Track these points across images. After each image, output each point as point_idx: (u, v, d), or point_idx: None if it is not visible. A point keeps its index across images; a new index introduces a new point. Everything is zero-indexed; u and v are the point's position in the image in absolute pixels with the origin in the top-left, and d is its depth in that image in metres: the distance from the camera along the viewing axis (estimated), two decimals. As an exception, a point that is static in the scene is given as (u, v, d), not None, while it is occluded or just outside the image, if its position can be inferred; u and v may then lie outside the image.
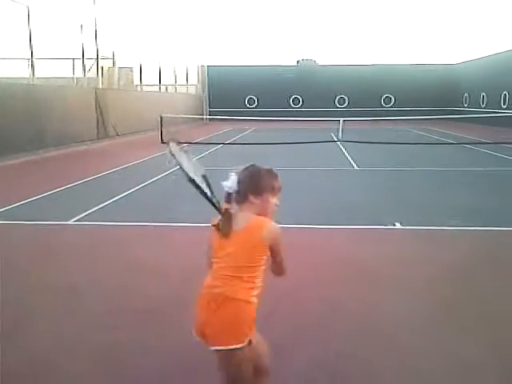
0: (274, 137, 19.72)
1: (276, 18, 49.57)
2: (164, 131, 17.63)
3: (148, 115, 21.75)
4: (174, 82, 29.87)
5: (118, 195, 8.11)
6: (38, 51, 15.06)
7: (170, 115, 21.25)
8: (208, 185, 2.13)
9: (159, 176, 10.11)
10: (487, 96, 28.69)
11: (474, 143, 16.75)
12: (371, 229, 6.12)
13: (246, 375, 2.16)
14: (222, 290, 2.05)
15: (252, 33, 48.94)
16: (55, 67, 18.91)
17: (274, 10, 51.26)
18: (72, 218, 6.56)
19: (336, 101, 36.09)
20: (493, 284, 4.33)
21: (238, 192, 2.12)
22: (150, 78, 26.34)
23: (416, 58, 37.01)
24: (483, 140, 17.63)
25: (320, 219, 6.64)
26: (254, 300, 2.10)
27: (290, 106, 36.12)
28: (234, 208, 2.11)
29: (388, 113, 31.14)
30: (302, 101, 36.22)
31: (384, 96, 35.89)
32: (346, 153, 14.16)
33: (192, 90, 34.58)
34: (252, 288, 2.08)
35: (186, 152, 2.17)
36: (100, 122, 18.33)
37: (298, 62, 36.67)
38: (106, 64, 21.18)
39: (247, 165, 2.21)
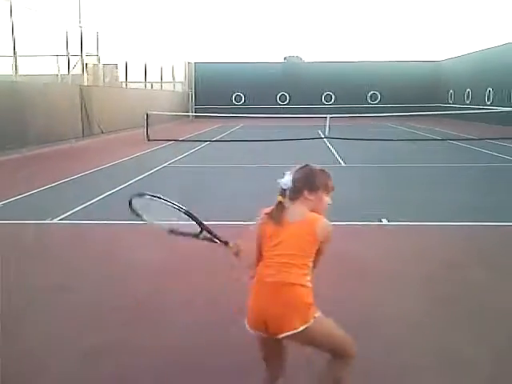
0: (261, 134, 19.68)
1: (262, 14, 49.43)
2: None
3: (134, 112, 21.59)
4: (160, 79, 29.67)
5: (103, 193, 8.03)
6: (21, 48, 14.84)
7: (155, 112, 21.11)
8: (194, 217, 2.40)
9: (146, 174, 10.03)
10: (472, 92, 28.96)
11: (460, 139, 16.90)
12: (358, 225, 6.12)
13: (329, 341, 2.21)
14: (278, 278, 2.13)
15: (238, 30, 48.77)
16: (39, 64, 18.64)
17: (261, 6, 51.14)
18: (56, 217, 6.47)
19: (323, 98, 36.16)
20: (479, 278, 4.36)
21: (292, 189, 2.25)
22: (135, 75, 26.13)
23: (402, 54, 37.24)
24: (468, 136, 17.78)
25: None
26: (310, 284, 2.19)
27: (277, 102, 36.11)
28: (287, 203, 2.26)
29: (374, 109, 31.30)
30: (289, 98, 36.24)
31: (370, 93, 36.04)
32: (332, 149, 14.18)
33: (178, 87, 34.40)
34: (306, 274, 2.18)
35: (152, 198, 2.44)
36: (85, 119, 18.14)
37: (285, 58, 36.65)
38: (90, 61, 20.96)
39: (302, 164, 2.36)
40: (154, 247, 5.31)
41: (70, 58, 18.62)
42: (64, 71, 18.48)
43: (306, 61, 36.71)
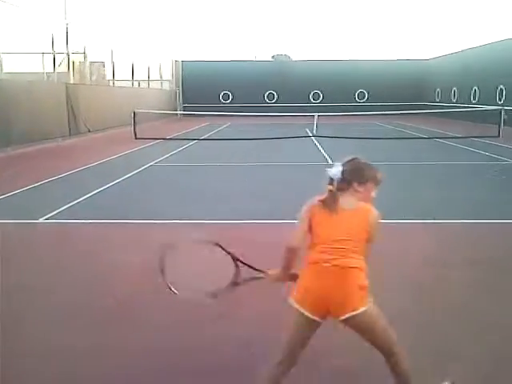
0: (249, 132, 19.66)
1: (250, 13, 49.41)
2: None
3: (121, 111, 21.44)
4: (147, 78, 29.51)
5: (90, 192, 7.96)
6: (5, 45, 14.65)
7: (143, 111, 20.99)
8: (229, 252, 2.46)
9: (133, 172, 9.96)
10: (458, 91, 29.21)
11: (446, 137, 17.02)
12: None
13: (381, 330, 2.28)
14: (338, 262, 2.22)
15: (226, 28, 48.75)
16: (24, 62, 18.44)
17: (249, 5, 51.13)
18: (42, 217, 6.40)
19: (311, 96, 36.22)
20: (463, 279, 4.39)
21: (342, 180, 2.35)
22: (122, 73, 25.96)
23: (389, 53, 37.48)
24: (454, 134, 17.92)
25: (294, 215, 6.61)
26: (365, 267, 2.28)
27: (265, 101, 36.09)
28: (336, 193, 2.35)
29: (362, 108, 31.42)
30: (277, 96, 36.24)
31: (358, 91, 36.18)
32: (320, 148, 14.20)
33: (166, 86, 34.24)
34: (361, 259, 2.27)
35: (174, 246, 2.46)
36: (71, 117, 17.96)
37: (273, 56, 36.64)
38: (77, 58, 20.78)
39: (351, 157, 2.45)
40: (138, 247, 5.26)
41: (56, 55, 18.44)
42: (50, 69, 18.29)
43: (294, 59, 36.72)
